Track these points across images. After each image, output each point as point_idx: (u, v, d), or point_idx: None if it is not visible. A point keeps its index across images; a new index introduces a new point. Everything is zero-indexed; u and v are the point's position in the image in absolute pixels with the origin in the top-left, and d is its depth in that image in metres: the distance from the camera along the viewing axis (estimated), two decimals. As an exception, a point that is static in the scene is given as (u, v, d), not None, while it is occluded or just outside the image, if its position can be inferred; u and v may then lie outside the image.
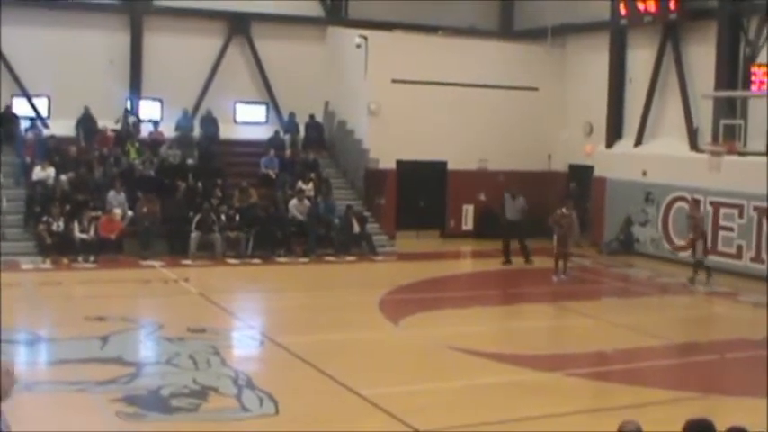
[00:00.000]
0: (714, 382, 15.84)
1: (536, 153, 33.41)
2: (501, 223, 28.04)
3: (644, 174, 29.70)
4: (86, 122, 30.63)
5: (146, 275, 23.52)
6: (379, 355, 16.72)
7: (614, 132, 31.78)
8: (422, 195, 32.06)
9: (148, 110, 32.00)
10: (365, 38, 31.27)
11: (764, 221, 25.55)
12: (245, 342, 17.94)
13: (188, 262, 25.64)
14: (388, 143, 31.33)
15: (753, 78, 23.23)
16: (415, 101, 31.67)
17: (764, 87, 22.68)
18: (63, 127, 30.26)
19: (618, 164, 30.92)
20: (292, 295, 22.30)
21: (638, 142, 30.69)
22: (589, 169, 32.26)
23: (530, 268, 26.60)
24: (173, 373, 14.50)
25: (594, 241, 31.37)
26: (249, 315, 20.58)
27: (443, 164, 32.77)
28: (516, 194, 27.55)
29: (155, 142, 30.79)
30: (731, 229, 26.74)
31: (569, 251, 25.48)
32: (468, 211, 33.22)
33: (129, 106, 31.55)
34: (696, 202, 26.07)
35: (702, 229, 25.00)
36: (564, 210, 25.23)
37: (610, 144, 31.83)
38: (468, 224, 33.06)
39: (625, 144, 31.29)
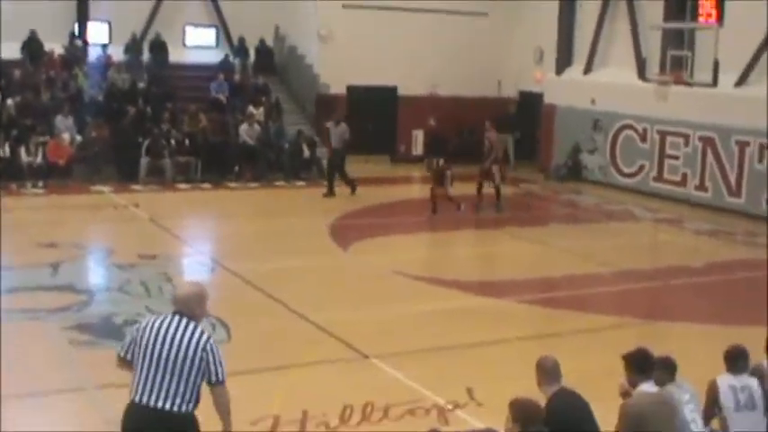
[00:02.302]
0: (658, 308, 16.22)
1: (486, 79, 33.46)
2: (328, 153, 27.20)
3: (593, 102, 29.91)
4: (33, 45, 30.19)
5: (95, 201, 23.43)
6: (328, 282, 16.90)
7: (564, 59, 31.90)
8: (372, 120, 32.06)
9: (96, 33, 31.59)
10: (317, -38, 31.09)
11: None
12: (196, 268, 18.02)
13: (138, 187, 25.54)
14: (338, 68, 31.26)
15: (700, 10, 23.42)
16: (366, 26, 31.57)
17: (711, 19, 22.86)
18: (8, 50, 29.71)
19: (567, 91, 31.09)
20: (243, 221, 22.37)
21: (588, 70, 30.85)
22: (539, 96, 32.43)
23: (470, 193, 26.70)
24: (125, 301, 14.59)
25: (543, 167, 31.64)
26: (200, 241, 20.65)
27: (394, 89, 32.75)
28: (339, 121, 26.63)
29: (103, 66, 30.46)
30: (677, 158, 27.09)
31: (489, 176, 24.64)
32: (418, 136, 33.25)
33: (76, 29, 31.15)
34: (492, 125, 25.63)
35: (497, 155, 24.82)
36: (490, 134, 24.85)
37: (559, 71, 31.96)
38: (418, 149, 33.11)
39: (575, 71, 31.44)
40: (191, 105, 29.24)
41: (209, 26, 33.53)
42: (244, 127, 28.48)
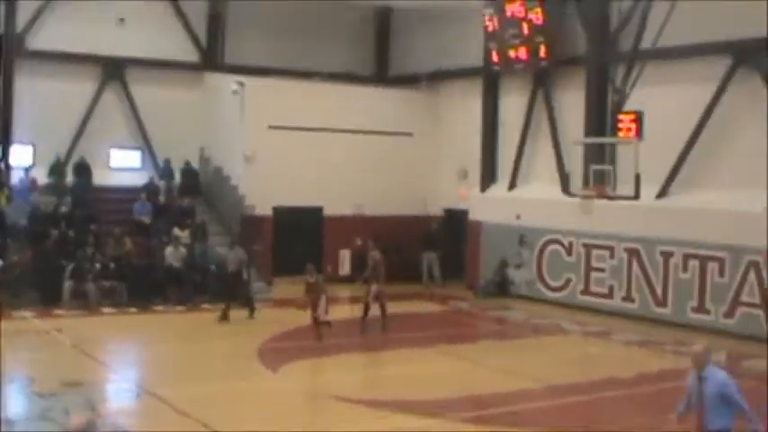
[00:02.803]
0: (591, 421, 16.12)
1: (412, 197, 33.75)
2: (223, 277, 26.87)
3: (518, 217, 30.19)
4: (-46, 169, 29.85)
5: (17, 327, 22.86)
6: (259, 405, 16.58)
7: (488, 176, 32.29)
8: (299, 241, 31.97)
9: (20, 156, 31.27)
10: (242, 84, 31.31)
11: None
12: (121, 395, 17.61)
13: (61, 312, 25.07)
14: (264, 189, 31.27)
15: (620, 125, 23.83)
16: (292, 146, 31.76)
17: (631, 134, 23.28)
18: (-71, 175, 29.42)
19: (492, 207, 31.41)
20: (170, 345, 21.98)
21: (512, 186, 31.23)
22: (464, 213, 32.67)
23: (398, 312, 26.57)
24: (47, 430, 14.15)
25: (470, 284, 31.72)
26: (125, 367, 20.23)
27: (319, 209, 32.84)
28: (233, 244, 26.71)
29: (26, 189, 30.12)
30: (603, 270, 27.35)
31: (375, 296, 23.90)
32: (345, 255, 33.30)
33: (-1, 151, 30.88)
34: (376, 245, 25.77)
35: (380, 273, 24.18)
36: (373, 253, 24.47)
37: (484, 188, 32.31)
38: (345, 269, 33.11)
39: (499, 188, 31.81)
40: (115, 228, 28.95)
41: (134, 148, 33.43)
42: (170, 249, 28.21)
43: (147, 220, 30.43)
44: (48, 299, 25.98)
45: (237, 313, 24.51)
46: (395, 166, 33.45)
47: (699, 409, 10.41)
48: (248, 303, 25.50)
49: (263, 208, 31.56)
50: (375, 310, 23.58)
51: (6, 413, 15.49)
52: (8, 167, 30.78)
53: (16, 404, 16.55)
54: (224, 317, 24.55)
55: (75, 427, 6.74)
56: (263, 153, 31.36)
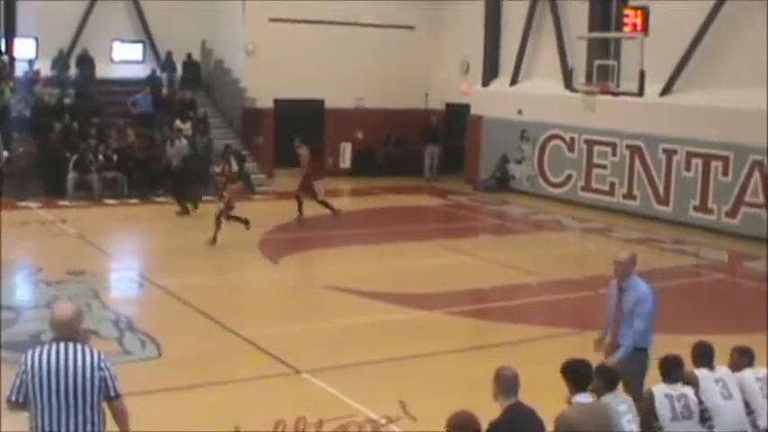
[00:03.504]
0: (588, 318, 16.31)
1: (413, 91, 33.64)
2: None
3: (519, 112, 30.16)
4: (-43, 61, 29.81)
5: (22, 217, 23.10)
6: (259, 296, 16.88)
7: (490, 71, 32.13)
8: (300, 134, 31.94)
9: (23, 48, 31.21)
10: (243, -25, 31.04)
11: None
12: (124, 284, 17.92)
13: (65, 203, 25.27)
14: (265, 82, 31.19)
15: (625, 20, 23.65)
16: (293, 39, 31.54)
17: (637, 29, 23.11)
18: (-66, 65, 29.38)
19: (494, 102, 31.32)
20: (171, 236, 22.17)
21: (514, 81, 31.10)
22: (465, 107, 32.62)
23: (398, 206, 26.71)
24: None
25: (470, 179, 31.81)
26: (128, 257, 20.47)
27: (321, 102, 32.78)
28: (173, 140, 26.66)
29: (30, 81, 30.12)
30: (604, 167, 27.40)
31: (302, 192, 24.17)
32: (346, 149, 33.37)
33: (2, 45, 30.77)
34: (302, 143, 25.28)
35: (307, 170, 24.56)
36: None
37: (486, 83, 32.18)
38: (345, 162, 33.23)
39: (501, 83, 31.69)
40: (118, 120, 29.03)
41: (136, 41, 33.25)
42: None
43: (147, 112, 30.43)
44: (52, 190, 26.15)
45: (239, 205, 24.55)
46: (396, 59, 33.27)
47: (615, 320, 10.01)
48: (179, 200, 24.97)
49: (265, 101, 31.54)
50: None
51: (15, 300, 15.83)
52: (12, 60, 30.73)
53: (24, 292, 16.84)
54: (183, 211, 24.43)
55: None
56: (265, 46, 31.23)
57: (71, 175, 26.18)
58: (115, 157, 27.29)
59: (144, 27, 33.04)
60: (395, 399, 11.22)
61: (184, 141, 28.16)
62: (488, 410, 7.14)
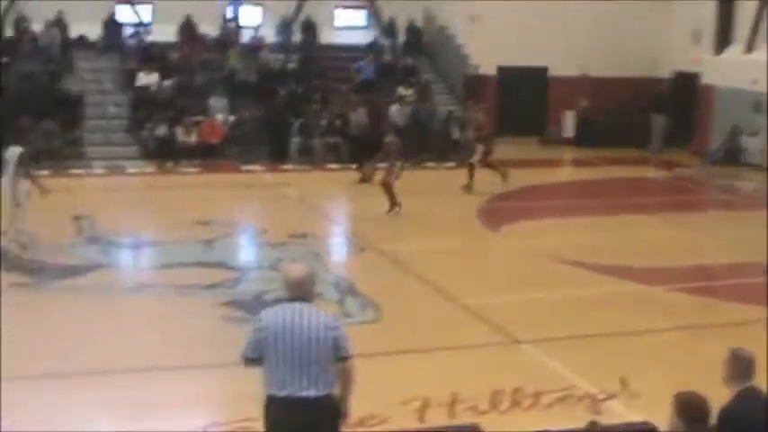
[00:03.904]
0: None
1: (640, 59, 32.64)
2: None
3: (754, 82, 28.85)
4: (188, 28, 30.76)
5: (247, 180, 23.73)
6: (478, 264, 16.76)
7: (723, 38, 30.87)
8: (522, 101, 31.71)
9: (249, 15, 32.01)
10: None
11: None
12: (345, 248, 18.14)
13: (288, 167, 25.79)
14: (488, 49, 30.89)
15: None
16: (517, 6, 31.01)
17: None
18: (165, 33, 30.41)
19: (726, 71, 30.07)
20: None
21: (750, 49, 29.80)
22: (695, 76, 31.51)
23: (622, 177, 26.02)
24: (276, 279, 14.59)
25: (698, 151, 30.73)
26: (350, 221, 20.71)
27: (544, 69, 32.27)
28: (356, 107, 26.44)
29: (256, 47, 30.85)
30: None
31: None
32: (569, 117, 32.78)
33: (229, 12, 31.64)
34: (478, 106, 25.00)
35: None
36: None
37: (718, 50, 30.98)
38: (568, 131, 32.65)
39: (735, 50, 30.42)
40: (341, 86, 29.42)
41: (359, 7, 33.59)
42: (394, 108, 28.48)
43: (369, 78, 30.70)
44: (276, 154, 26.74)
45: (461, 173, 24.41)
46: (623, 25, 32.31)
47: None
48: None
49: (488, 67, 31.32)
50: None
51: (240, 261, 16.25)
52: (238, 27, 31.56)
53: (248, 253, 17.27)
54: (365, 178, 23.76)
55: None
56: (489, 12, 30.91)
57: (295, 140, 26.70)
58: (338, 122, 27.64)
59: (367, -8, 33.35)
60: (615, 374, 10.85)
61: (406, 108, 28.33)
62: (712, 393, 6.71)
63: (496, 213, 21.04)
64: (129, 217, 19.57)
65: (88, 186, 22.91)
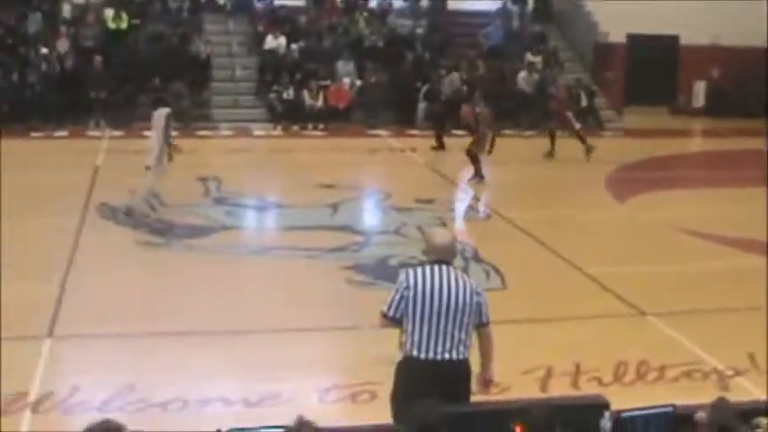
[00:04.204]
0: None
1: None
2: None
3: None
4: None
5: (373, 145, 23.84)
6: (605, 234, 16.54)
7: None
8: (652, 70, 31.16)
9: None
10: None
11: None
12: (471, 215, 18.07)
13: (415, 132, 25.80)
14: (618, 16, 30.36)
15: None
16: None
17: None
18: (295, -4, 30.68)
19: None
20: (517, 168, 22.16)
21: None
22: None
23: (752, 148, 25.30)
24: (401, 243, 14.73)
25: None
26: (476, 187, 20.61)
27: (675, 38, 31.66)
28: (450, 71, 25.76)
29: (383, 12, 30.87)
30: None
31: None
32: (700, 87, 32.12)
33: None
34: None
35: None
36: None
37: None
38: (699, 101, 32.00)
39: None
40: (469, 52, 29.29)
41: (489, -27, 33.35)
42: (522, 75, 28.27)
43: (497, 44, 30.52)
44: (402, 119, 26.80)
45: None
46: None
47: None
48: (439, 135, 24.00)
49: (617, 35, 30.86)
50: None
51: (365, 225, 16.35)
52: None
53: (373, 217, 17.36)
54: (438, 146, 23.71)
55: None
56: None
57: (421, 105, 26.69)
58: (465, 88, 27.53)
59: (497, -41, 33.04)
60: (743, 350, 10.58)
61: (535, 75, 28.07)
62: None
63: (624, 183, 20.76)
64: (255, 179, 19.82)
65: (215, 148, 23.29)
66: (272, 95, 26.75)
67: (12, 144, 23.13)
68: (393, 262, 13.61)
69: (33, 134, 24.66)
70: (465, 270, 13.37)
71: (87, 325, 10.81)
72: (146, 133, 18.60)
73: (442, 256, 6.89)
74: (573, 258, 14.22)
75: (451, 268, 6.87)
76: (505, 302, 12.23)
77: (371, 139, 24.47)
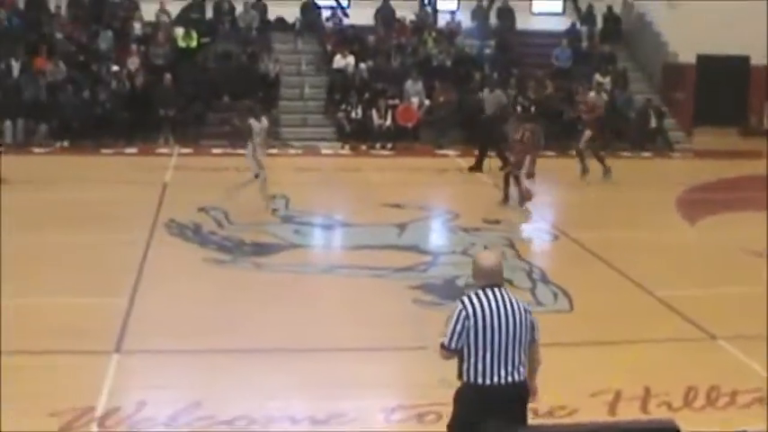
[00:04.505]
0: None
1: None
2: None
3: None
4: (385, 12, 31.07)
5: (441, 164, 23.84)
6: (674, 256, 16.33)
7: None
8: (721, 91, 30.83)
9: (445, 0, 32.16)
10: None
11: None
12: (539, 236, 17.96)
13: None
14: (687, 36, 30.12)
15: None
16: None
17: None
18: (362, 16, 30.80)
19: None
20: (585, 189, 22.04)
21: None
22: None
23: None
24: (468, 264, 14.56)
25: None
26: (543, 208, 20.49)
27: (745, 58, 31.30)
28: (493, 88, 24.89)
29: (452, 32, 30.92)
30: None
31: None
32: (771, 108, 31.74)
33: (427, -4, 31.90)
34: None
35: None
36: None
37: None
38: (770, 122, 31.62)
39: None
40: (537, 72, 29.22)
41: (557, -7, 33.33)
42: (591, 95, 28.07)
43: (566, 65, 30.41)
44: (470, 139, 26.73)
45: (658, 162, 23.97)
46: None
47: None
48: (481, 156, 23.34)
49: (687, 56, 30.58)
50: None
51: (432, 245, 16.32)
52: (435, 11, 31.72)
53: (441, 237, 17.33)
54: (476, 166, 23.22)
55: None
56: (689, -1, 30.21)
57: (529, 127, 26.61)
58: (533, 108, 27.46)
59: (566, -21, 33.02)
60: (818, 377, 10.47)
61: (603, 95, 27.86)
62: None
63: (694, 204, 20.51)
64: (323, 197, 19.90)
65: (283, 166, 23.41)
66: (341, 114, 26.87)
67: (83, 160, 23.54)
68: (460, 282, 13.54)
69: (104, 150, 25.03)
70: (533, 291, 13.36)
71: (155, 341, 10.91)
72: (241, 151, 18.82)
73: (494, 279, 6.89)
74: (642, 280, 14.07)
75: (504, 290, 6.88)
76: (573, 324, 12.21)
77: (439, 159, 24.47)
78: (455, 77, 28.78)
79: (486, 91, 25.43)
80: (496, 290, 6.84)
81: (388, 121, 26.55)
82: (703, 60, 30.74)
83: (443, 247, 16.41)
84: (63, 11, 29.71)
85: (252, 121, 17.77)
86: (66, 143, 25.53)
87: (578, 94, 24.78)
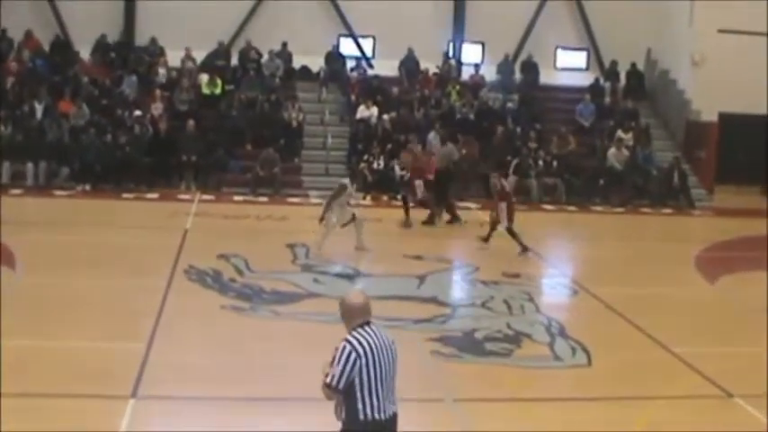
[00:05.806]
0: None
1: None
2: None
3: None
4: (409, 63, 31.28)
5: (462, 217, 23.80)
6: (693, 314, 16.32)
7: None
8: (743, 149, 30.82)
9: (470, 53, 32.35)
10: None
11: None
12: (558, 290, 17.94)
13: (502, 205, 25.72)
14: (711, 94, 30.23)
15: None
16: (742, 51, 30.23)
17: None
18: (386, 67, 31.05)
19: None
20: (606, 245, 22.09)
21: None
22: None
23: None
24: (487, 317, 14.69)
25: None
26: (563, 263, 20.53)
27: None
28: (446, 141, 25.15)
29: (476, 85, 31.08)
30: None
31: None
32: (792, 167, 31.62)
33: (450, 48, 32.03)
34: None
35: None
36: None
37: None
38: (790, 180, 31.53)
39: None
40: (560, 127, 29.34)
41: (581, 49, 33.44)
42: (612, 151, 28.22)
43: (585, 122, 30.55)
44: (491, 192, 26.75)
45: (679, 220, 23.92)
46: None
47: None
48: (448, 208, 23.55)
49: (709, 114, 30.63)
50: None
51: (452, 297, 16.33)
52: (459, 63, 31.90)
53: (461, 290, 17.33)
54: (428, 220, 23.13)
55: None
56: (712, 57, 30.27)
57: (511, 179, 26.61)
58: (555, 163, 27.55)
59: (589, 35, 33.22)
60: None
61: (625, 152, 28.00)
62: None
63: (713, 262, 20.50)
64: (343, 247, 19.90)
65: (305, 215, 23.46)
66: (363, 164, 26.97)
67: (104, 204, 23.68)
68: (479, 335, 13.58)
69: (125, 195, 25.19)
70: (551, 346, 13.33)
71: (171, 387, 10.93)
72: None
73: (366, 315, 7.07)
74: (660, 337, 14.06)
75: (374, 325, 7.06)
76: (591, 380, 12.20)
77: (461, 212, 24.44)
78: (478, 130, 28.87)
79: (438, 143, 25.77)
80: (373, 326, 7.05)
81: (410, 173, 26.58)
82: (725, 118, 30.76)
83: (463, 299, 16.41)
84: (88, 54, 30.03)
85: (347, 182, 19.26)
86: (87, 186, 25.71)
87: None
